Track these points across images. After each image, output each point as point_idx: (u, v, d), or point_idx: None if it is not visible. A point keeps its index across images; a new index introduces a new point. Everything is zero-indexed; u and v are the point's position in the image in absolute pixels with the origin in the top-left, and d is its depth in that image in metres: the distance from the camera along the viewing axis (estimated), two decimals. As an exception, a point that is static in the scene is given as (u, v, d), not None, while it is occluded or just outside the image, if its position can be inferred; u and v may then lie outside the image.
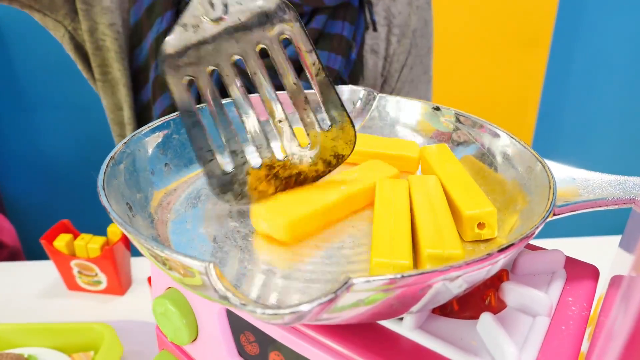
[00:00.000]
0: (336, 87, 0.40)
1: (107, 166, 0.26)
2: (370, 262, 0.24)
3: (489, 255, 0.19)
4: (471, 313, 0.27)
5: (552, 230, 0.48)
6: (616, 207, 0.26)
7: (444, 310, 0.27)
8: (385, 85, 0.64)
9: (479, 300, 0.28)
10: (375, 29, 0.59)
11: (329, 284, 0.23)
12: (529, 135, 1.28)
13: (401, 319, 0.26)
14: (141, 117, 0.62)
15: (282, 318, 0.16)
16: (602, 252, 0.37)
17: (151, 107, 0.60)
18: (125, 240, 0.57)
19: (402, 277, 0.17)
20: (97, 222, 0.70)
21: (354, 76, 0.59)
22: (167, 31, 0.55)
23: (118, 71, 0.60)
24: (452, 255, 0.24)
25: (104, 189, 0.23)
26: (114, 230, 0.57)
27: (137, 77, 0.59)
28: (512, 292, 0.27)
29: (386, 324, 0.26)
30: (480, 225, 0.27)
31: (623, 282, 0.20)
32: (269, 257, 0.25)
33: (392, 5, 0.61)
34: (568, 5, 1.18)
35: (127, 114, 0.62)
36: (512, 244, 0.19)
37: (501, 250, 0.19)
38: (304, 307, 0.16)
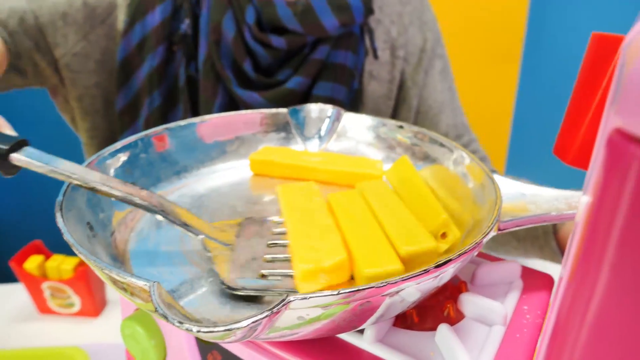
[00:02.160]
0: (308, 105, 0.41)
1: (67, 187, 0.26)
2: (357, 274, 0.25)
3: (426, 270, 0.19)
4: (431, 325, 0.28)
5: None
6: (562, 221, 0.27)
7: (405, 322, 0.28)
8: (401, 108, 0.63)
9: (438, 312, 0.28)
10: (376, 57, 0.59)
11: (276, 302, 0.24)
12: (503, 149, 1.30)
13: (362, 332, 0.26)
14: None
15: (218, 335, 0.16)
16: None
17: None
18: (98, 261, 0.57)
19: (339, 293, 0.18)
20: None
21: (354, 104, 0.59)
22: (160, 67, 0.54)
23: (108, 130, 0.58)
24: (390, 272, 0.24)
25: (61, 209, 0.24)
26: (87, 251, 0.57)
27: (122, 118, 0.57)
28: (469, 303, 0.28)
29: (347, 337, 0.27)
30: (444, 235, 0.28)
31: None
32: (228, 275, 0.26)
33: (393, 27, 0.61)
34: (537, 19, 1.21)
35: None
36: (450, 260, 0.20)
37: (439, 266, 0.20)
38: (240, 325, 0.16)
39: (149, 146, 0.35)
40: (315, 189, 0.33)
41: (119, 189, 0.25)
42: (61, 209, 0.23)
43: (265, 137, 0.41)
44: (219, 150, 0.39)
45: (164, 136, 0.36)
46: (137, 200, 0.25)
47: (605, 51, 0.26)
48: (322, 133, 0.41)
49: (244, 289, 0.23)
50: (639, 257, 0.10)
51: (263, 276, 0.25)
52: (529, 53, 1.23)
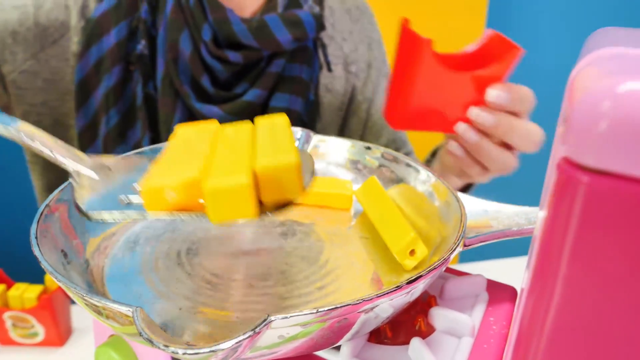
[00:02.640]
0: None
1: (41, 214, 0.26)
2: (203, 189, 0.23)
3: (398, 287, 0.21)
4: (403, 339, 0.29)
5: (479, 253, 0.52)
6: (522, 236, 0.29)
7: (379, 337, 0.29)
8: (351, 120, 0.67)
9: (410, 326, 0.29)
10: (330, 69, 0.63)
11: (255, 321, 0.24)
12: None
13: (338, 348, 0.27)
14: None
15: (203, 357, 0.17)
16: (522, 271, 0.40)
17: None
18: (64, 288, 0.55)
19: (317, 311, 0.18)
20: (33, 270, 0.67)
21: (312, 115, 0.62)
22: (117, 86, 0.55)
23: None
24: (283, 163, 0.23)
25: (36, 237, 0.24)
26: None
27: (82, 138, 0.57)
28: (439, 316, 0.29)
29: (324, 354, 0.28)
30: (412, 252, 0.29)
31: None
32: (202, 297, 0.26)
33: (345, 44, 0.65)
34: (496, 16, 1.26)
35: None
36: (420, 276, 0.21)
37: (410, 282, 0.21)
38: (223, 345, 0.17)
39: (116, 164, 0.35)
40: (212, 127, 0.31)
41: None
42: (36, 237, 0.23)
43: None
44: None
45: (131, 159, 0.36)
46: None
47: (411, 44, 0.37)
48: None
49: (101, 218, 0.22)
50: (588, 269, 0.11)
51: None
52: None
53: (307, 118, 0.61)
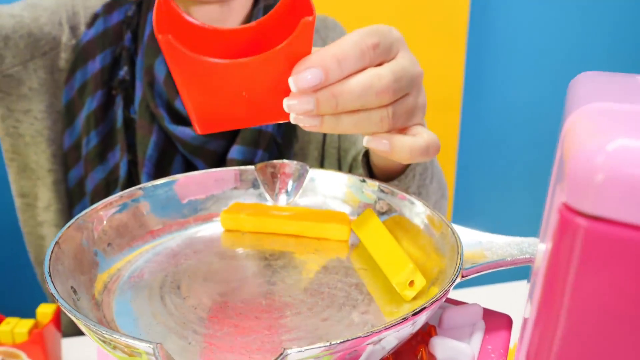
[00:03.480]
0: (273, 162, 0.43)
1: (52, 252, 0.26)
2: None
3: (404, 319, 0.22)
4: (405, 369, 0.29)
5: (470, 280, 0.53)
6: (516, 265, 0.30)
7: (382, 368, 0.30)
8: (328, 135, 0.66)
9: (412, 356, 0.30)
10: None
11: (268, 354, 0.25)
12: (454, 138, 1.34)
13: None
14: (71, 195, 0.62)
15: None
16: (519, 295, 0.41)
17: (83, 184, 0.60)
18: (56, 322, 0.55)
19: (331, 344, 0.19)
20: (24, 304, 0.67)
21: (287, 138, 0.63)
22: (98, 110, 0.58)
23: (34, 155, 0.60)
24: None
25: (50, 275, 0.24)
26: (44, 312, 0.55)
27: (67, 159, 0.60)
28: (439, 346, 0.30)
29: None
30: (411, 283, 0.30)
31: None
32: (210, 331, 0.27)
33: None
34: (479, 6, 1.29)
35: (45, 196, 0.61)
36: (424, 307, 0.23)
37: (415, 314, 0.22)
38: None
39: (124, 207, 0.35)
40: None
41: None
42: (50, 275, 0.24)
43: (234, 193, 0.42)
44: (190, 208, 0.40)
45: (138, 196, 0.37)
46: None
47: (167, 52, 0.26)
48: (289, 189, 0.43)
49: None
50: (589, 304, 0.12)
51: None
52: (472, 37, 1.28)
53: (283, 140, 0.62)
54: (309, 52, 0.29)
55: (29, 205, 0.63)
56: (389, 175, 0.48)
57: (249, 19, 0.62)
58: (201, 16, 0.59)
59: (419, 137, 0.33)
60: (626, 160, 0.11)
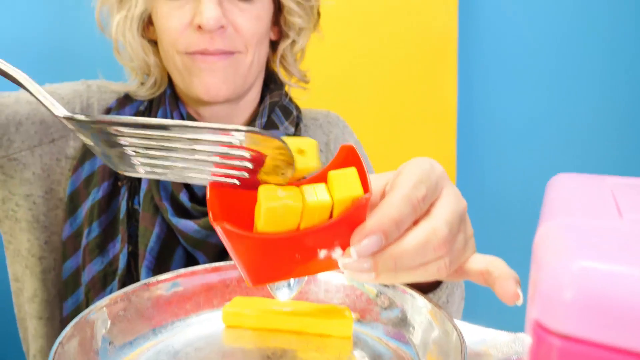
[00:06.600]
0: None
1: (55, 353, 0.27)
2: None
3: None
4: None
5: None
6: (520, 362, 0.30)
7: None
8: None
9: None
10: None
11: None
12: (452, 144, 1.27)
13: None
14: (65, 287, 0.60)
15: None
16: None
17: (78, 275, 0.59)
18: None
19: None
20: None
21: None
22: (102, 200, 0.58)
23: (27, 242, 0.60)
24: None
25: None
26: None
27: (64, 248, 0.59)
28: None
29: None
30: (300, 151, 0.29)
31: None
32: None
33: (321, 155, 0.68)
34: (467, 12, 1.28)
35: (31, 286, 0.60)
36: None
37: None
38: None
39: (128, 304, 0.36)
40: None
41: None
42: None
43: (237, 287, 0.42)
44: (193, 303, 0.40)
45: (143, 292, 0.37)
46: None
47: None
48: (291, 283, 0.43)
49: None
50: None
51: None
52: (463, 44, 1.27)
53: None
54: (364, 220, 0.29)
55: (21, 290, 0.62)
56: (421, 287, 0.43)
57: (254, 116, 0.64)
58: (210, 115, 0.63)
59: (475, 266, 0.32)
60: (588, 280, 0.12)
